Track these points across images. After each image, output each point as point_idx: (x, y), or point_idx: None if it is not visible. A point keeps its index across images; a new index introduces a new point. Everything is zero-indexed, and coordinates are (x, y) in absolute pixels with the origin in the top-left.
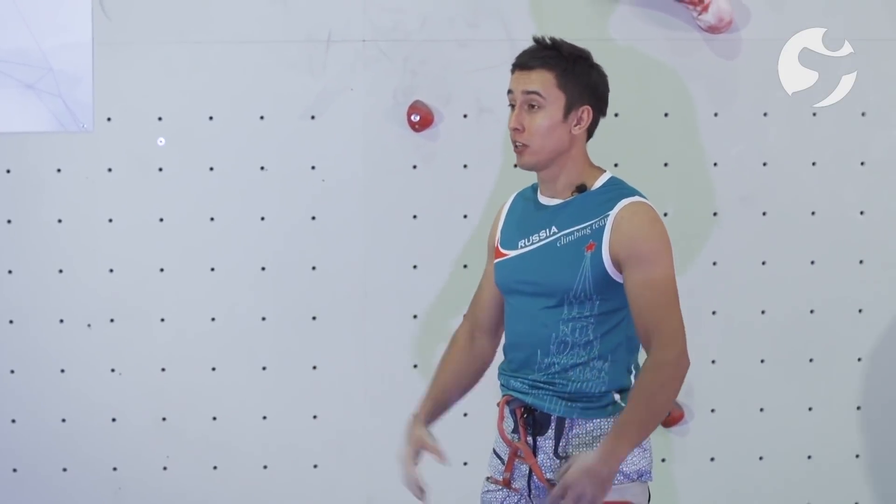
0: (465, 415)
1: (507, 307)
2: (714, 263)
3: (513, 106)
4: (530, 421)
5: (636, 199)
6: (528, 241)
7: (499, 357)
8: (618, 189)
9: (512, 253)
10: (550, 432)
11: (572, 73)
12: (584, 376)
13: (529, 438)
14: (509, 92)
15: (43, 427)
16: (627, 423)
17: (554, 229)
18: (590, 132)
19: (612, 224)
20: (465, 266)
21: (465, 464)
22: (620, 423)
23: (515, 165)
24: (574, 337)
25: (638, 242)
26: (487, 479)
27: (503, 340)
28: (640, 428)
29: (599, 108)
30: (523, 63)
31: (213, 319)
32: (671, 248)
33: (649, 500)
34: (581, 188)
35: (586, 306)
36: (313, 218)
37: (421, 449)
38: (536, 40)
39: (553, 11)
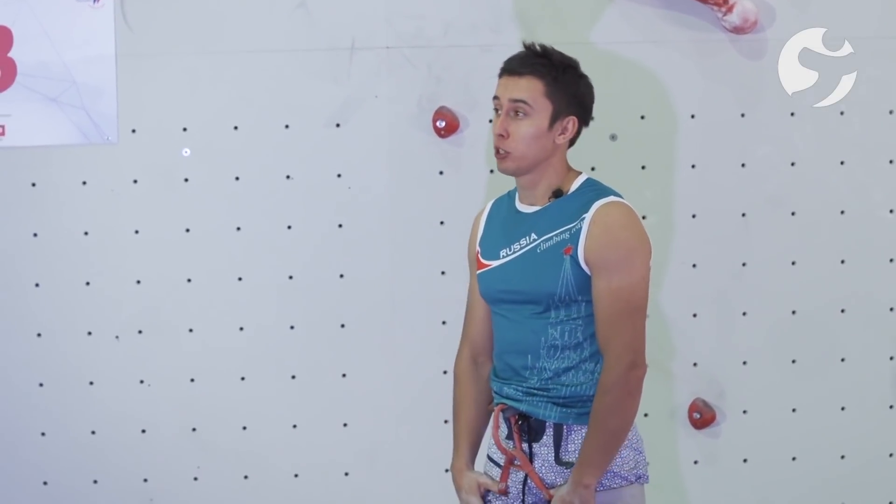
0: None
1: (494, 316)
2: (743, 265)
3: (497, 111)
4: (525, 428)
5: (612, 198)
6: (510, 249)
7: None
8: (594, 190)
9: (494, 263)
10: (546, 439)
11: (561, 82)
12: (576, 380)
13: (525, 445)
14: (495, 98)
15: (73, 440)
16: (589, 452)
17: (533, 236)
18: (572, 141)
19: (588, 228)
20: None
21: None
22: (583, 452)
23: (491, 171)
24: (564, 340)
25: (606, 249)
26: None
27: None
28: (603, 453)
29: (584, 118)
30: (512, 69)
31: (241, 329)
32: (646, 249)
33: None
34: (557, 193)
35: (573, 309)
36: (340, 226)
37: (484, 491)
38: (527, 46)
39: (574, 15)
